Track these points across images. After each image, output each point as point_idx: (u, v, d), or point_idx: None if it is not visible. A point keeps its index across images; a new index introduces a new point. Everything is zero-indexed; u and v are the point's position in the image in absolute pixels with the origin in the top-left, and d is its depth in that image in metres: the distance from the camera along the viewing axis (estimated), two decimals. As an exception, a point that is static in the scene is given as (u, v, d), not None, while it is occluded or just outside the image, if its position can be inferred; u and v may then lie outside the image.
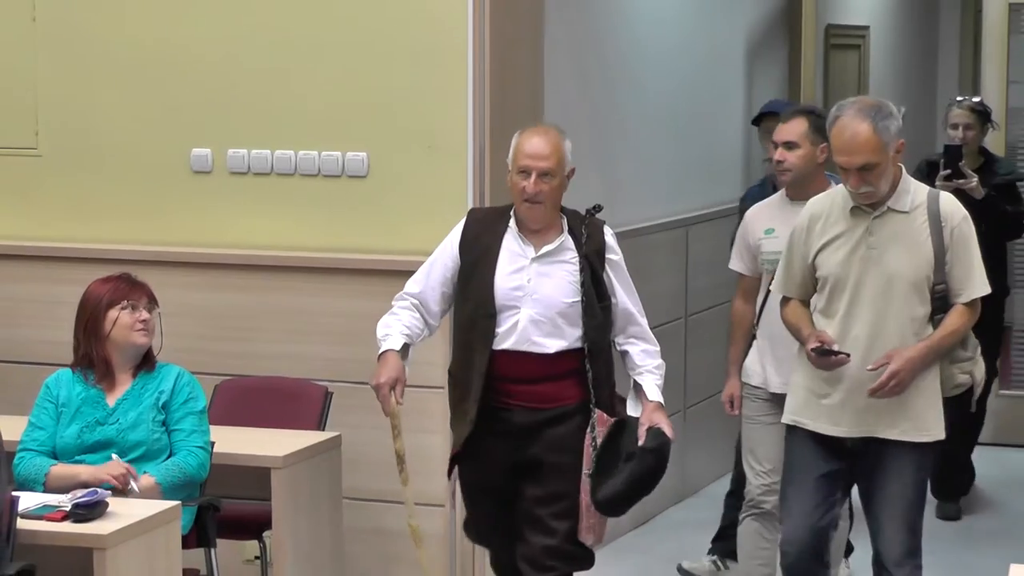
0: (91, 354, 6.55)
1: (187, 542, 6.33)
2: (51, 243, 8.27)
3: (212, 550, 6.67)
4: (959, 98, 9.76)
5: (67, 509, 5.77)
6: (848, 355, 5.98)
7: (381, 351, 6.14)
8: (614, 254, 6.31)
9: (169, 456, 6.45)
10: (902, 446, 6.09)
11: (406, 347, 6.19)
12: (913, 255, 6.05)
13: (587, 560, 6.28)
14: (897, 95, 13.78)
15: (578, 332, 6.16)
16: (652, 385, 6.27)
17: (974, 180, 8.64)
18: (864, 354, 6.04)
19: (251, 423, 6.94)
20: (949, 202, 6.16)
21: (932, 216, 6.08)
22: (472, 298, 6.22)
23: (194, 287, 7.74)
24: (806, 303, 6.32)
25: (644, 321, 6.40)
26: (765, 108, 8.94)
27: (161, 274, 7.32)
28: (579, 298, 6.15)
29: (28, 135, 8.41)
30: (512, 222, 6.25)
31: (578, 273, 6.17)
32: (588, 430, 6.13)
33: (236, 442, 6.57)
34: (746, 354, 7.28)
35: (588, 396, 6.16)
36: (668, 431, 6.14)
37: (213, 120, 8.07)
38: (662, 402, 6.27)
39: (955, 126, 9.25)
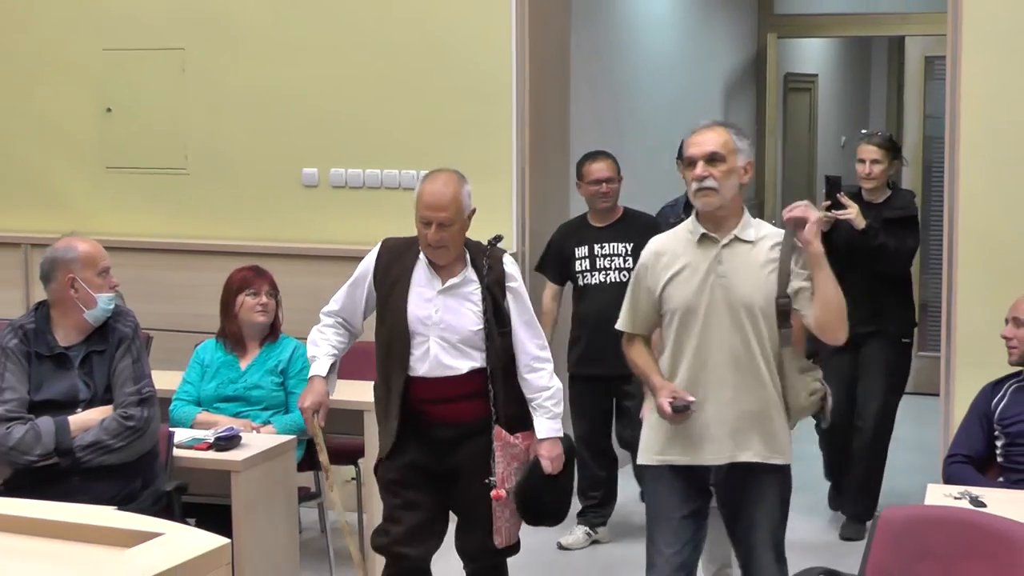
0: (226, 328, 6.62)
1: (300, 467, 6.36)
2: (196, 240, 8.32)
3: (319, 473, 6.68)
4: (865, 131, 7.79)
5: (211, 441, 5.83)
6: (695, 400, 4.91)
7: (310, 375, 5.49)
8: (513, 282, 5.43)
9: (285, 410, 6.51)
10: (762, 470, 5.00)
11: (334, 367, 5.54)
12: (760, 282, 4.93)
13: (514, 547, 5.52)
14: (839, 127, 13.80)
15: (481, 355, 5.35)
16: (541, 420, 5.39)
17: (852, 211, 6.97)
18: (720, 381, 4.95)
19: (349, 376, 6.93)
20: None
21: (776, 245, 4.97)
22: (388, 321, 5.42)
23: (305, 274, 7.75)
24: (648, 342, 5.19)
25: (535, 345, 5.45)
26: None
27: (280, 264, 7.35)
28: (482, 326, 5.34)
29: (179, 159, 8.45)
30: (421, 255, 5.41)
31: (481, 303, 5.35)
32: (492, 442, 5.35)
33: (337, 391, 6.59)
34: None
35: (492, 414, 5.36)
36: (545, 465, 5.36)
37: (319, 146, 8.12)
38: (549, 437, 5.40)
39: (862, 161, 7.33)
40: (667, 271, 5.02)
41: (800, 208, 4.81)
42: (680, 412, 4.89)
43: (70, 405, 5.49)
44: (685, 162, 5.01)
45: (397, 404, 5.37)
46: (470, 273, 5.40)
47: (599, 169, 7.21)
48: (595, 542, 7.50)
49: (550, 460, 5.39)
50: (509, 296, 5.42)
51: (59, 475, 5.36)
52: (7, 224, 8.84)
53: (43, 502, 4.19)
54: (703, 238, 4.98)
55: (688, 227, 5.06)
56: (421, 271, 5.41)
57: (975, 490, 5.28)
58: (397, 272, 5.43)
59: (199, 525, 4.41)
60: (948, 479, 5.69)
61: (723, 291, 4.93)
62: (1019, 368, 5.81)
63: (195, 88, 8.38)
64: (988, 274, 6.65)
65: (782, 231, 5.02)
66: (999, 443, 5.74)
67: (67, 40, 8.65)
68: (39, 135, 8.79)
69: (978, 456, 5.77)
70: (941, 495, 5.27)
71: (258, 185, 8.27)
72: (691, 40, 10.77)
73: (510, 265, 5.48)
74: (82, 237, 5.72)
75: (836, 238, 6.91)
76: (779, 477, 5.07)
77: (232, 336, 6.60)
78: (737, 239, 4.97)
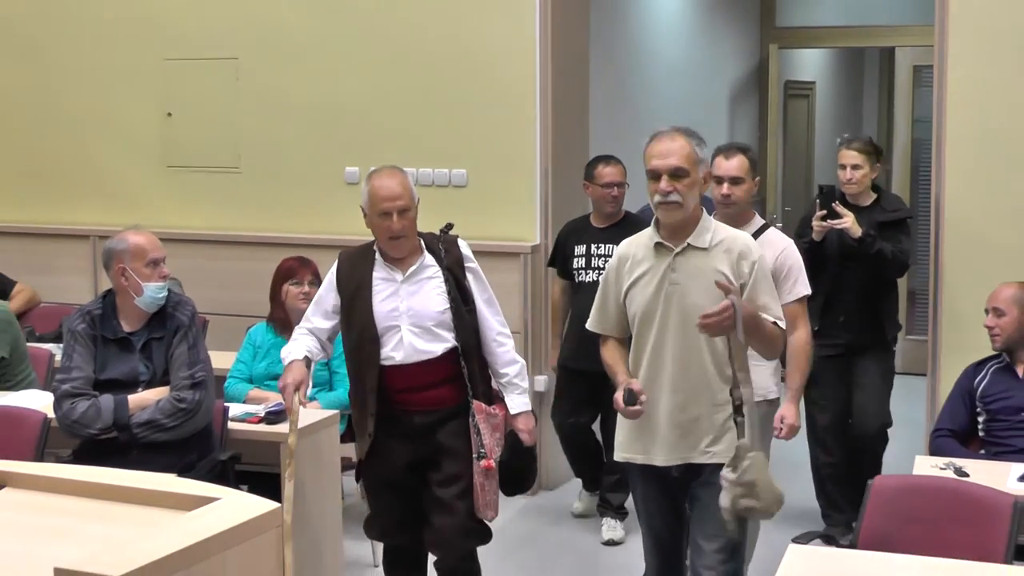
0: (274, 313, 6.64)
1: (343, 439, 6.33)
2: (249, 232, 8.34)
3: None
4: (846, 136, 6.89)
5: (262, 415, 5.83)
6: (642, 393, 4.50)
7: (287, 362, 5.15)
8: (471, 262, 5.21)
9: (329, 388, 6.49)
10: (717, 470, 4.52)
11: (308, 360, 5.18)
12: (713, 290, 4.42)
13: (486, 535, 5.21)
14: (835, 130, 13.72)
15: (452, 335, 5.08)
16: (512, 397, 5.19)
17: (848, 220, 6.32)
18: (673, 386, 4.58)
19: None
20: (748, 241, 4.70)
21: (731, 253, 4.59)
22: (356, 326, 5.12)
23: (347, 263, 7.79)
24: (623, 342, 4.81)
25: (497, 321, 5.23)
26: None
27: (324, 255, 7.26)
28: (448, 306, 5.08)
29: (233, 158, 8.48)
30: (377, 255, 5.15)
31: (444, 284, 5.09)
32: (470, 419, 5.07)
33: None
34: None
35: (468, 393, 5.09)
36: (524, 437, 5.16)
37: (360, 147, 8.12)
38: (523, 411, 5.20)
39: (843, 166, 6.61)
40: (630, 276, 4.70)
41: (721, 315, 4.32)
42: (630, 404, 4.52)
43: (131, 385, 5.53)
44: (649, 174, 4.58)
45: (373, 399, 5.07)
46: (428, 259, 5.16)
47: (611, 173, 6.93)
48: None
49: (528, 433, 5.20)
50: (469, 276, 5.19)
51: (119, 448, 5.39)
52: (77, 218, 8.89)
53: (112, 469, 4.22)
54: (658, 246, 4.63)
55: (648, 233, 4.70)
56: (380, 271, 5.15)
57: (959, 461, 5.28)
58: (358, 278, 5.16)
59: (251, 491, 4.44)
60: (934, 451, 5.69)
61: (676, 298, 4.57)
62: (1000, 351, 5.81)
63: (248, 95, 8.39)
64: (970, 264, 6.67)
65: (737, 234, 4.70)
66: (981, 419, 5.74)
67: (131, 51, 8.68)
68: (106, 137, 8.83)
69: (961, 430, 5.76)
70: (928, 466, 5.26)
71: (304, 183, 8.28)
72: (699, 50, 10.77)
73: (465, 247, 5.24)
74: (138, 230, 5.74)
75: (828, 246, 6.49)
76: None
77: (280, 320, 6.61)
78: (691, 247, 4.59)
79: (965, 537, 4.48)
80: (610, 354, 4.82)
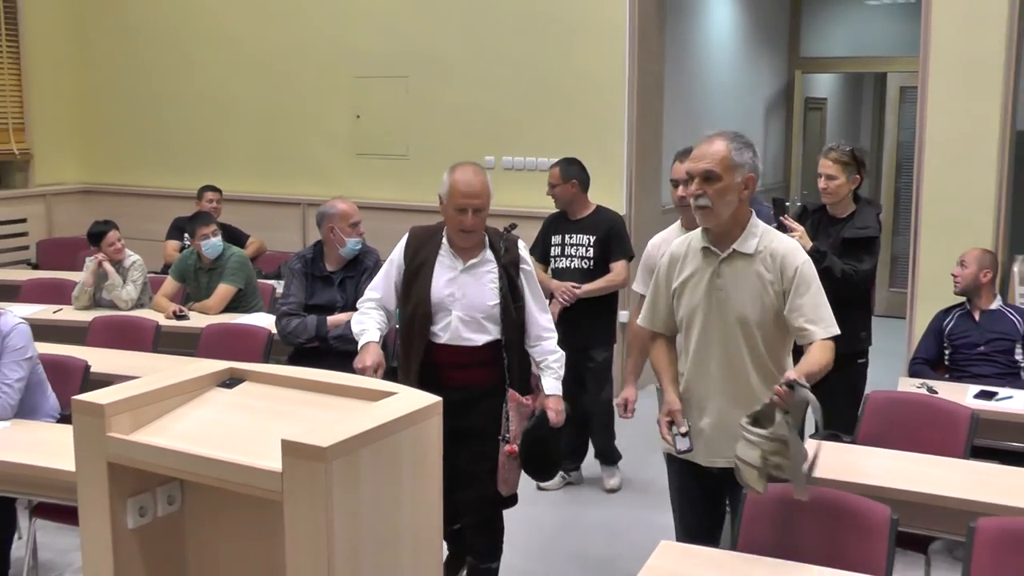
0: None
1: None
2: (414, 203, 8.38)
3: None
4: (828, 145, 5.26)
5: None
6: (687, 433, 3.61)
7: (362, 343, 4.17)
8: (526, 264, 4.28)
9: None
10: None
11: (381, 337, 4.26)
12: (756, 296, 3.52)
13: (512, 499, 4.36)
14: (840, 135, 13.49)
15: (498, 328, 4.18)
16: (548, 380, 4.26)
17: (796, 234, 4.87)
18: (717, 388, 3.61)
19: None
20: (792, 246, 3.59)
21: (775, 259, 3.53)
22: (413, 299, 4.23)
23: (483, 226, 7.81)
24: (672, 341, 3.77)
25: (544, 319, 4.31)
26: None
27: (468, 219, 7.38)
28: (499, 301, 4.18)
29: (403, 148, 8.50)
30: (444, 240, 4.27)
31: (498, 280, 4.20)
32: (503, 404, 4.20)
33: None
34: (641, 367, 4.71)
35: (505, 379, 4.22)
36: (551, 416, 4.22)
37: (495, 140, 8.11)
38: (555, 393, 4.25)
39: (819, 175, 5.21)
40: (679, 276, 3.69)
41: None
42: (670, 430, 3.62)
43: (330, 309, 5.59)
44: (686, 175, 3.64)
45: (417, 368, 4.18)
46: (488, 254, 4.25)
47: (550, 174, 6.09)
48: (569, 483, 6.21)
49: (556, 412, 4.25)
50: (522, 275, 4.27)
51: (320, 355, 5.46)
52: (292, 190, 8.99)
53: (316, 369, 4.28)
54: (705, 250, 3.63)
55: (697, 235, 3.69)
56: (445, 254, 4.25)
57: (930, 382, 5.25)
58: (424, 256, 4.28)
59: (415, 390, 4.47)
60: (912, 374, 5.63)
61: (719, 304, 3.58)
62: (963, 299, 5.72)
63: (414, 102, 8.41)
64: (940, 235, 6.58)
65: (782, 239, 3.64)
66: (947, 352, 5.66)
67: (331, 70, 8.75)
68: (313, 132, 8.91)
69: (932, 359, 5.69)
70: (908, 385, 5.23)
71: (454, 167, 8.29)
72: (742, 73, 10.62)
73: (523, 249, 4.32)
74: (343, 199, 5.80)
75: None
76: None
77: None
78: (736, 252, 3.57)
79: (934, 438, 4.46)
80: (660, 358, 3.80)
